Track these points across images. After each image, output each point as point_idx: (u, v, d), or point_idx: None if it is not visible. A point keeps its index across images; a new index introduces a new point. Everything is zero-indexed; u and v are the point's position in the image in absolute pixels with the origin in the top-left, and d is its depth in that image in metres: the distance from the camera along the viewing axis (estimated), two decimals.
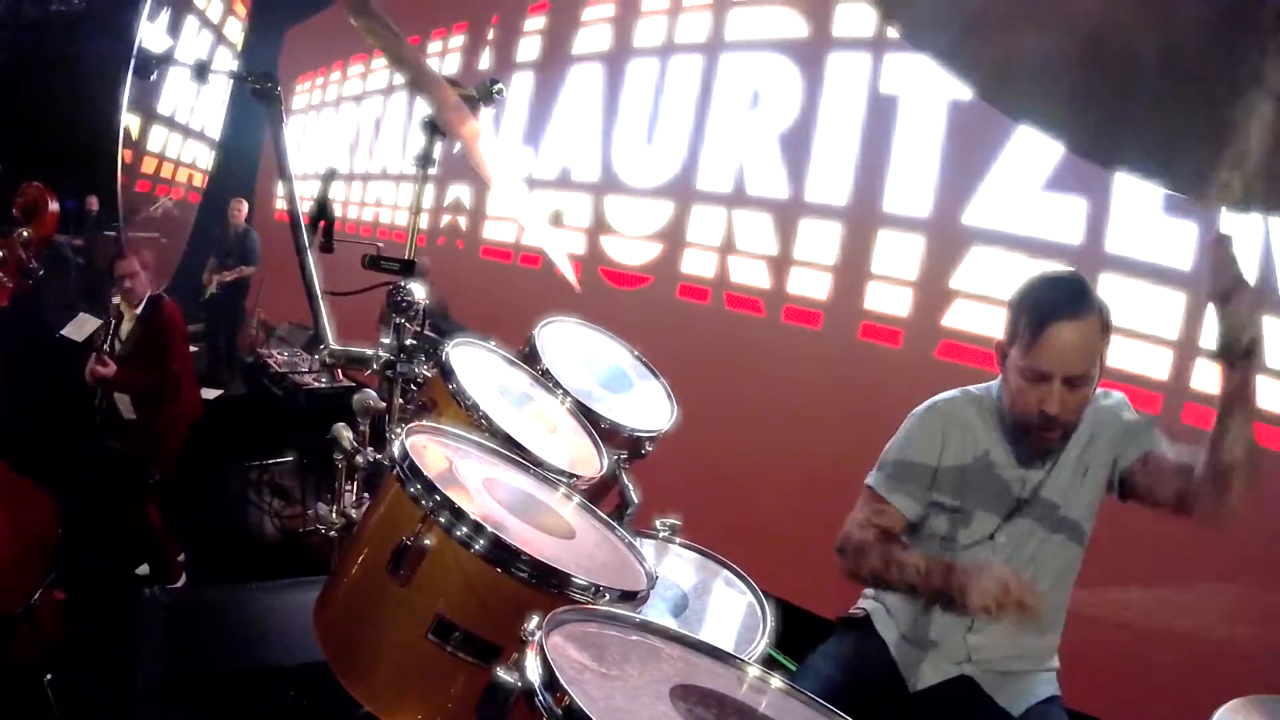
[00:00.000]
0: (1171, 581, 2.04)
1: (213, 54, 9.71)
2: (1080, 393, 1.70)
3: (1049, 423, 1.71)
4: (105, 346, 3.85)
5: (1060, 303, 1.70)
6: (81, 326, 4.59)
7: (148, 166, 9.71)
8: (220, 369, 7.58)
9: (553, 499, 1.42)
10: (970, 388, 1.93)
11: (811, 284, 4.07)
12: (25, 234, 3.84)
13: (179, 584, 3.95)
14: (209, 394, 4.86)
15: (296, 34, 9.73)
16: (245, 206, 8.36)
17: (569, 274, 2.13)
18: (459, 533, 1.11)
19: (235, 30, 10.26)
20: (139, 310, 4.02)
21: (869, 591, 2.04)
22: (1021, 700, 1.84)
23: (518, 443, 1.50)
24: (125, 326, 4.05)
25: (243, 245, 8.19)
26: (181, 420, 4.14)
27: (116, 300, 4.03)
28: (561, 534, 1.31)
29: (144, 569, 3.91)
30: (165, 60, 8.15)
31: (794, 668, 2.00)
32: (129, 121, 8.96)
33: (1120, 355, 1.74)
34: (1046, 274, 1.81)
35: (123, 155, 8.92)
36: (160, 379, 3.98)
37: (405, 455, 1.19)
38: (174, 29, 8.95)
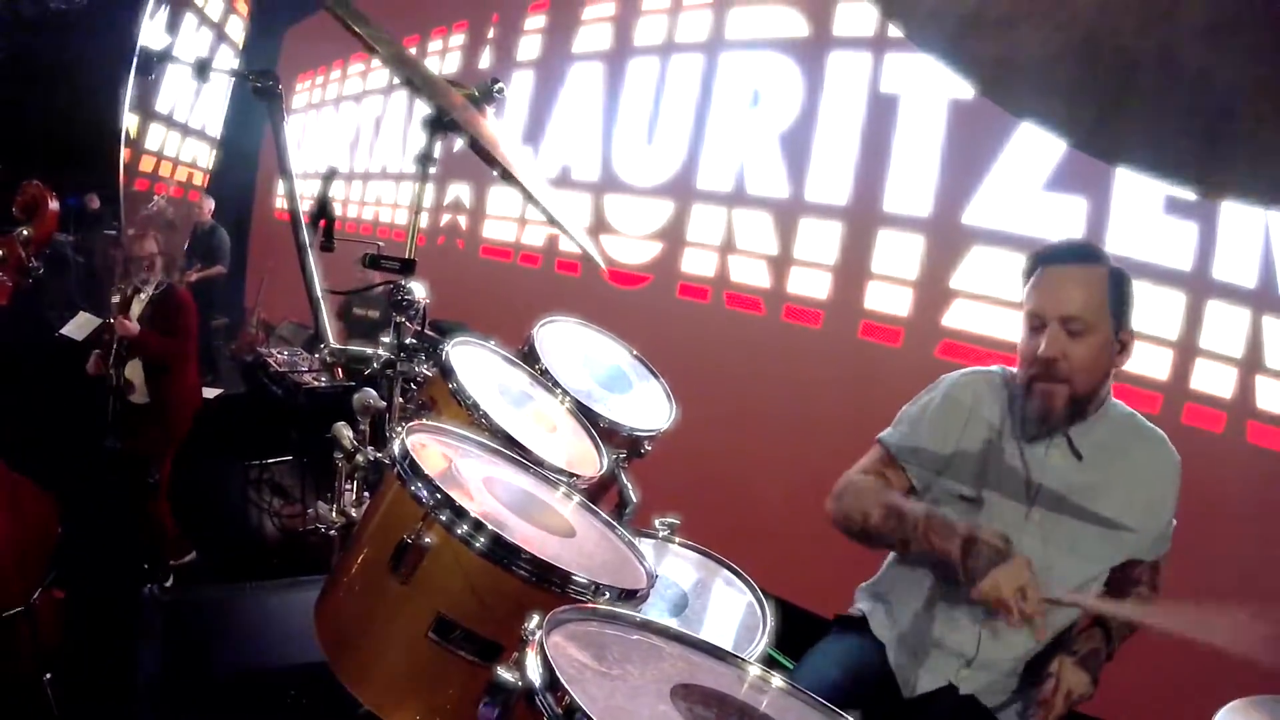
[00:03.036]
0: (1174, 580, 2.04)
1: (213, 52, 9.68)
2: (1083, 343, 1.69)
3: (1046, 368, 1.70)
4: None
5: (1058, 249, 1.79)
6: (82, 326, 4.59)
7: (146, 165, 9.68)
8: (202, 370, 7.50)
9: (553, 498, 1.42)
10: (1010, 368, 1.90)
11: (812, 283, 4.07)
12: (25, 233, 3.83)
13: (168, 584, 3.94)
14: (208, 392, 4.85)
15: (296, 33, 9.72)
16: (211, 203, 8.27)
17: (596, 255, 2.13)
18: (460, 531, 1.11)
19: (236, 28, 10.23)
20: (150, 294, 4.04)
21: (866, 587, 2.03)
22: (1017, 711, 1.82)
23: (518, 442, 1.50)
24: (135, 309, 4.06)
25: (207, 244, 8.04)
26: (186, 407, 4.16)
27: (116, 299, 4.03)
28: (562, 533, 1.30)
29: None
30: (165, 58, 8.13)
31: (791, 667, 2.00)
32: (127, 120, 8.93)
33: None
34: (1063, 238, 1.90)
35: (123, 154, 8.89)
36: (176, 348, 4.04)
37: (406, 453, 1.19)
38: (172, 26, 8.93)
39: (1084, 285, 1.70)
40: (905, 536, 1.73)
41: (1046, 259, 1.77)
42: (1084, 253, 1.78)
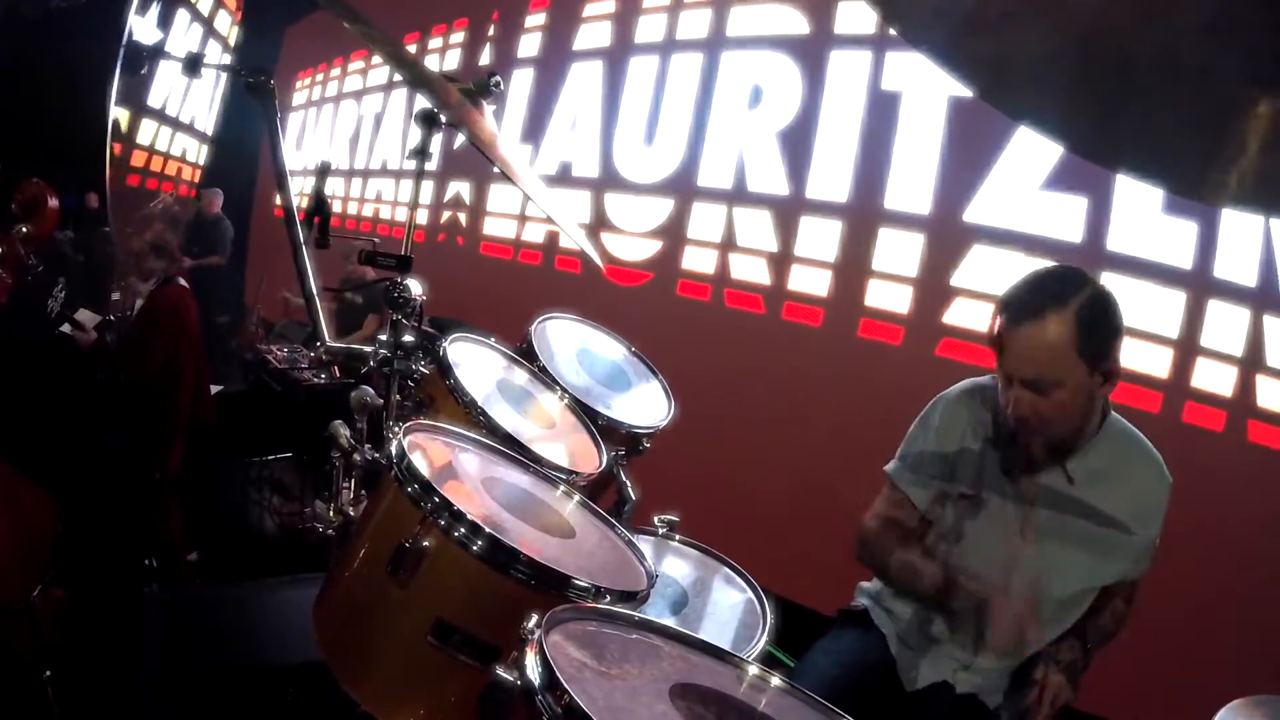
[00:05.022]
0: (1174, 580, 2.04)
1: (204, 48, 9.65)
2: (1051, 398, 1.64)
3: (1018, 426, 1.68)
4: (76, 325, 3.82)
5: (1021, 305, 1.66)
6: (81, 323, 4.58)
7: (138, 160, 9.65)
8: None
9: (552, 497, 1.42)
10: (993, 377, 1.90)
11: (812, 281, 4.07)
12: (25, 231, 3.83)
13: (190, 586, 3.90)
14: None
15: (297, 30, 9.71)
16: (220, 197, 8.32)
17: (594, 256, 2.14)
18: (458, 534, 1.10)
19: (225, 24, 10.20)
20: (149, 289, 4.00)
21: (867, 586, 2.03)
22: (1009, 710, 1.83)
23: (516, 440, 1.49)
24: (138, 304, 4.04)
25: (209, 234, 8.07)
26: (174, 416, 3.97)
27: (117, 295, 4.02)
28: (561, 533, 1.30)
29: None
30: (156, 53, 8.12)
31: (792, 664, 2.00)
32: (119, 115, 8.91)
33: (1121, 353, 1.76)
34: (1034, 271, 1.75)
35: (112, 149, 8.86)
36: (136, 370, 3.85)
37: (403, 455, 1.18)
38: (164, 23, 8.91)
39: (1045, 345, 1.62)
40: (921, 593, 1.81)
41: (1009, 318, 1.66)
42: (1045, 303, 1.63)
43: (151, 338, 3.90)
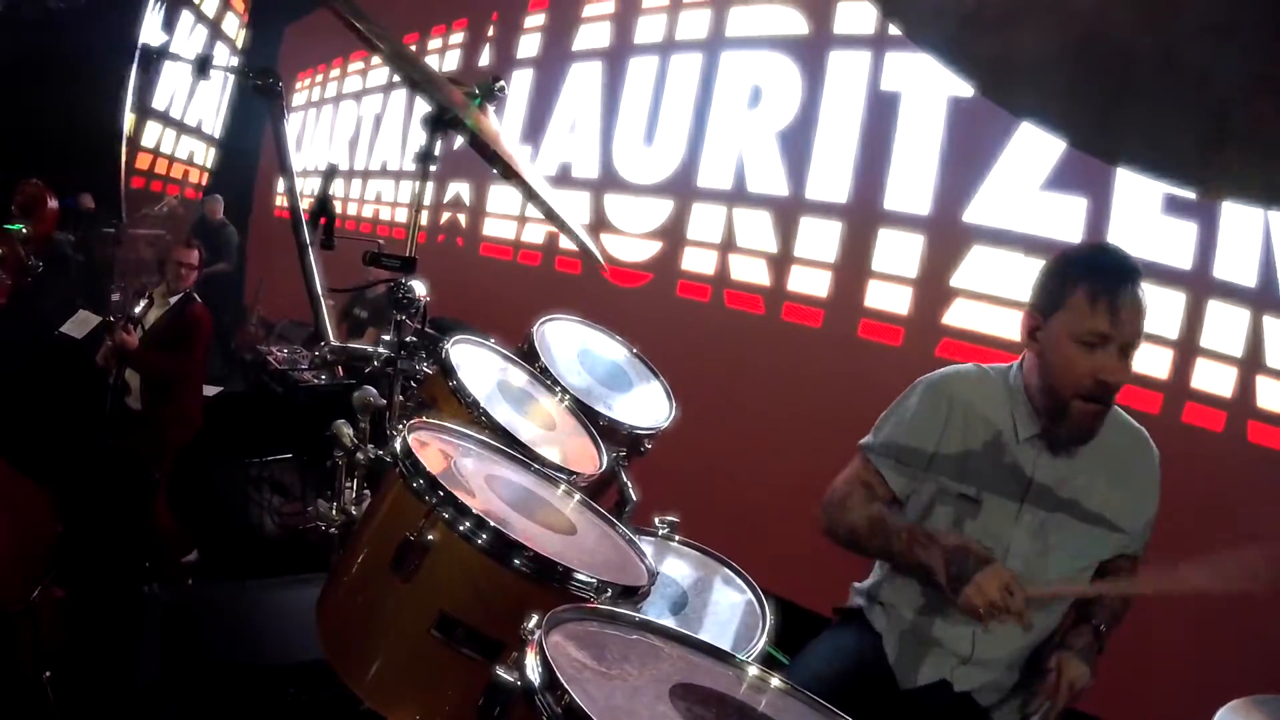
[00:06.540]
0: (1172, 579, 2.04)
1: (209, 50, 9.66)
2: (1129, 363, 1.66)
3: (1105, 392, 1.66)
4: (132, 322, 3.88)
5: (1124, 267, 1.68)
6: (81, 324, 4.59)
7: (142, 162, 9.66)
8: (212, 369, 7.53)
9: (553, 496, 1.42)
10: (986, 365, 1.89)
11: (812, 282, 4.07)
12: (24, 231, 3.84)
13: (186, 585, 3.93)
14: (208, 390, 4.85)
15: (296, 30, 9.71)
16: (221, 202, 8.37)
17: (595, 252, 2.14)
18: (462, 528, 1.11)
19: (233, 26, 10.21)
20: (172, 301, 4.06)
21: (861, 585, 2.03)
22: (1015, 708, 1.82)
23: (518, 440, 1.50)
24: (153, 314, 4.08)
25: (215, 241, 8.12)
26: (185, 420, 4.17)
27: (116, 296, 4.04)
28: (563, 530, 1.30)
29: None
30: (163, 55, 8.14)
31: (788, 662, 2.00)
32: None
33: None
34: (1092, 243, 1.78)
35: (119, 151, 8.87)
36: (175, 367, 4.03)
37: (408, 451, 1.19)
38: (169, 24, 8.91)
39: (1143, 307, 1.66)
40: (890, 549, 1.75)
41: (1115, 279, 1.66)
42: (1137, 268, 1.68)
43: (186, 345, 4.07)
